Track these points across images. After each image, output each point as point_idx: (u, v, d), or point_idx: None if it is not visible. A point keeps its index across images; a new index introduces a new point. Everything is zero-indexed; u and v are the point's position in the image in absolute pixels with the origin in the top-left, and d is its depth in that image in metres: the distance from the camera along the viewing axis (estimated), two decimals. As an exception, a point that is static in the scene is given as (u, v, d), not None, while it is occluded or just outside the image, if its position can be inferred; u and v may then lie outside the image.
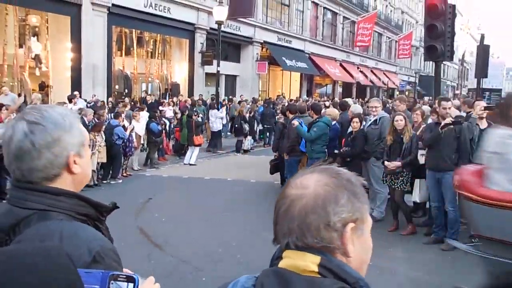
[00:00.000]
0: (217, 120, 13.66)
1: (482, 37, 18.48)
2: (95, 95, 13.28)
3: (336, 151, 7.09)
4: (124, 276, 0.99)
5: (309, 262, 0.85)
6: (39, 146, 1.11)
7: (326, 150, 7.13)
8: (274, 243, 0.93)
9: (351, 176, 0.92)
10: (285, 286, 0.83)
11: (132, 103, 14.01)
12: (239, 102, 16.83)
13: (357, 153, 6.50)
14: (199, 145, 11.59)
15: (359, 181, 0.93)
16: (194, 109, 13.30)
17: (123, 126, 9.51)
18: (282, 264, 0.89)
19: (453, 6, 8.43)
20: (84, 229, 1.11)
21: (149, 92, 18.48)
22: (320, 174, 0.91)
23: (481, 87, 19.19)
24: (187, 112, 11.78)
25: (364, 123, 6.97)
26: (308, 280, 0.83)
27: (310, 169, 0.94)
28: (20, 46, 14.06)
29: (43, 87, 15.24)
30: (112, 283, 0.98)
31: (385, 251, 5.52)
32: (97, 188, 8.54)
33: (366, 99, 25.96)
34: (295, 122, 7.18)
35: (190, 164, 11.42)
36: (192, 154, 11.54)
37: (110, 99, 14.27)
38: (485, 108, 5.85)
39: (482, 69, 16.57)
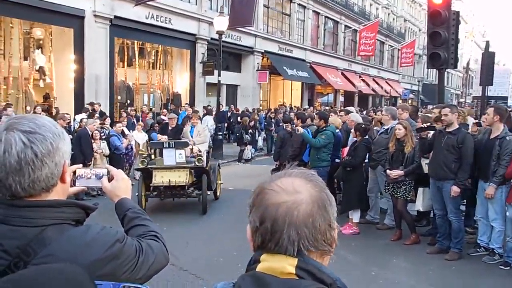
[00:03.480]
0: (211, 128, 13.62)
1: (487, 44, 18.38)
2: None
3: (337, 160, 7.04)
4: None
5: (286, 264, 0.86)
6: (42, 155, 1.08)
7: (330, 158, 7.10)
8: (260, 251, 0.91)
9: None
10: None
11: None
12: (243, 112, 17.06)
13: (358, 163, 6.44)
14: None
15: None
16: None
17: (123, 133, 9.58)
18: (259, 267, 0.89)
19: (457, 13, 8.37)
20: (97, 226, 1.15)
21: (150, 104, 18.51)
22: (300, 178, 0.92)
23: (486, 95, 19.08)
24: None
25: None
26: (285, 282, 0.84)
27: (284, 174, 0.95)
28: (25, 58, 14.18)
29: (47, 99, 15.35)
30: None
31: (388, 261, 5.45)
32: (100, 197, 8.51)
33: (372, 107, 25.92)
34: (301, 129, 7.11)
35: None
36: None
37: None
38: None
39: (487, 76, 16.43)
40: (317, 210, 0.88)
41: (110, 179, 1.40)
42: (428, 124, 6.09)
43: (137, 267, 1.16)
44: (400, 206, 5.96)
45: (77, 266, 0.99)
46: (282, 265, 0.86)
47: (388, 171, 5.93)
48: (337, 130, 7.57)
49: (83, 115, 11.25)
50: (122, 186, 1.41)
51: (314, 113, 9.01)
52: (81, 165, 1.41)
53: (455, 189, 5.25)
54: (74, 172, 1.35)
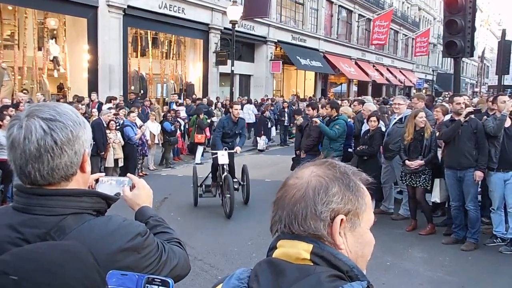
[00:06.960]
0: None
1: (504, 32, 18.04)
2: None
3: (350, 150, 7.01)
4: (159, 280, 1.00)
5: (301, 250, 0.86)
6: (61, 143, 1.06)
7: (342, 148, 7.07)
8: (277, 237, 0.92)
9: (348, 169, 0.92)
10: (278, 275, 0.84)
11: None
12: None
13: (375, 152, 6.41)
14: (199, 143, 11.65)
15: (359, 175, 0.92)
16: (209, 109, 13.34)
17: (135, 124, 9.64)
18: (276, 253, 0.89)
19: (474, 0, 8.22)
20: (119, 217, 1.14)
21: (164, 94, 18.57)
22: (317, 166, 0.92)
23: (502, 84, 18.78)
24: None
25: (382, 122, 6.88)
26: (300, 268, 0.84)
27: (311, 162, 0.95)
28: (39, 48, 14.27)
29: (62, 89, 15.51)
30: (147, 286, 0.99)
31: (404, 251, 5.43)
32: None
33: (382, 97, 25.66)
34: (317, 120, 7.07)
35: (196, 164, 11.49)
36: (196, 153, 11.66)
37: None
38: None
39: (503, 65, 16.33)
40: (302, 195, 0.87)
41: (132, 188, 1.38)
42: (474, 108, 6.01)
43: (160, 265, 1.14)
44: (419, 195, 5.91)
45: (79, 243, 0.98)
46: (297, 251, 0.86)
47: (407, 161, 5.87)
48: (349, 120, 7.54)
49: (109, 105, 11.36)
50: (143, 194, 1.38)
51: (325, 103, 9.05)
52: (103, 174, 1.39)
53: (479, 174, 5.27)
54: (97, 180, 1.33)
